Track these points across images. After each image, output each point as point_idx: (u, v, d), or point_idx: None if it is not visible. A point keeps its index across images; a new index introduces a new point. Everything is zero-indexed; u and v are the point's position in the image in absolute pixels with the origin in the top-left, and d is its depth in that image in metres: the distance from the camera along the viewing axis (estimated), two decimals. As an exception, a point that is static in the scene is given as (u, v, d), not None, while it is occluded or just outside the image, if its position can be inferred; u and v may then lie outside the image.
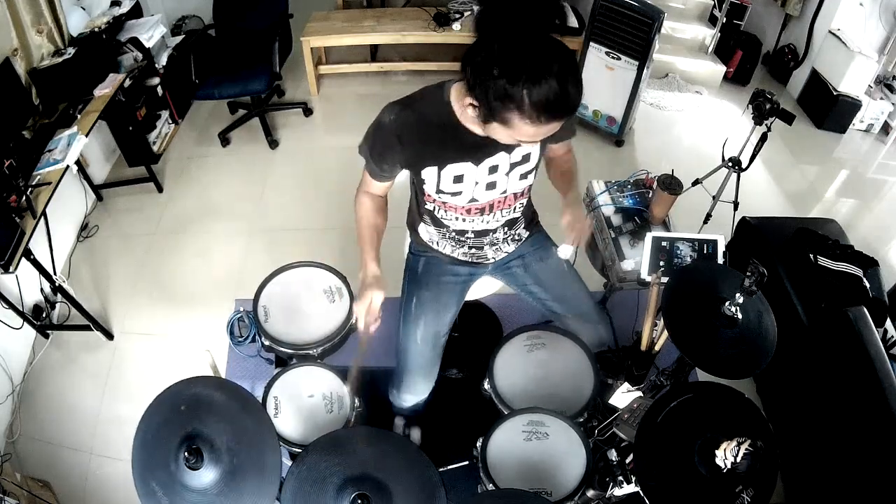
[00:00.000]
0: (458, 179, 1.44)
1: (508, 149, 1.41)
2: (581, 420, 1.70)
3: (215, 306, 2.81)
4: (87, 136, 2.64)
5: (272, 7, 3.59)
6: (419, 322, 1.73)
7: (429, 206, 1.57)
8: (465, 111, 1.29)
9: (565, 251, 1.68)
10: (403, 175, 1.53)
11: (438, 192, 1.48)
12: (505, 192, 1.52)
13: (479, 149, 1.39)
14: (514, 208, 1.60)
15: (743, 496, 1.17)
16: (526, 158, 1.47)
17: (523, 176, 1.50)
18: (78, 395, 2.57)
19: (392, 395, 1.92)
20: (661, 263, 1.96)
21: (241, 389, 1.39)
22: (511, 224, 1.65)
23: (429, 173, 1.44)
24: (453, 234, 1.63)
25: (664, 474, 1.26)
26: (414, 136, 1.38)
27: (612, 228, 2.24)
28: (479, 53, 1.15)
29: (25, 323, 2.57)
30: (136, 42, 3.25)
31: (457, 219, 1.57)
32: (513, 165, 1.46)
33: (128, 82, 3.07)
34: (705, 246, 2.00)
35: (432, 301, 1.73)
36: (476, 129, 1.34)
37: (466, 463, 1.87)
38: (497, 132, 1.23)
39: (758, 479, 1.19)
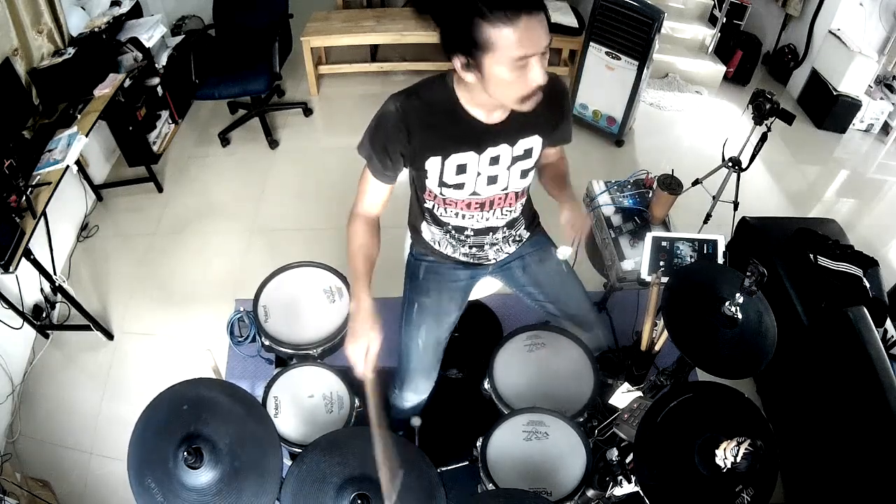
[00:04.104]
0: (461, 170, 1.43)
1: (511, 141, 1.42)
2: (581, 420, 1.70)
3: (215, 306, 2.80)
4: (87, 136, 2.64)
5: (272, 7, 3.59)
6: (420, 328, 1.73)
7: (428, 205, 1.57)
8: (469, 93, 1.32)
9: (564, 252, 1.68)
10: (403, 175, 1.53)
11: (441, 184, 1.47)
12: (506, 188, 1.52)
13: (483, 137, 1.39)
14: (515, 208, 1.60)
15: (743, 496, 1.17)
16: (528, 153, 1.47)
17: (524, 173, 1.50)
18: (78, 395, 2.57)
19: (393, 395, 1.92)
20: (661, 263, 1.96)
21: (245, 393, 1.40)
22: (512, 224, 1.65)
23: (432, 164, 1.42)
24: (453, 231, 1.62)
25: (664, 474, 1.26)
26: (420, 123, 1.37)
27: (612, 228, 2.24)
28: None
29: (25, 323, 2.57)
30: (136, 42, 3.25)
31: (456, 215, 1.56)
32: (514, 159, 1.46)
33: (128, 82, 3.07)
34: (705, 246, 2.00)
35: (434, 307, 1.73)
36: (480, 112, 1.36)
37: (466, 463, 1.87)
38: (494, 70, 1.19)
39: (758, 479, 1.19)
